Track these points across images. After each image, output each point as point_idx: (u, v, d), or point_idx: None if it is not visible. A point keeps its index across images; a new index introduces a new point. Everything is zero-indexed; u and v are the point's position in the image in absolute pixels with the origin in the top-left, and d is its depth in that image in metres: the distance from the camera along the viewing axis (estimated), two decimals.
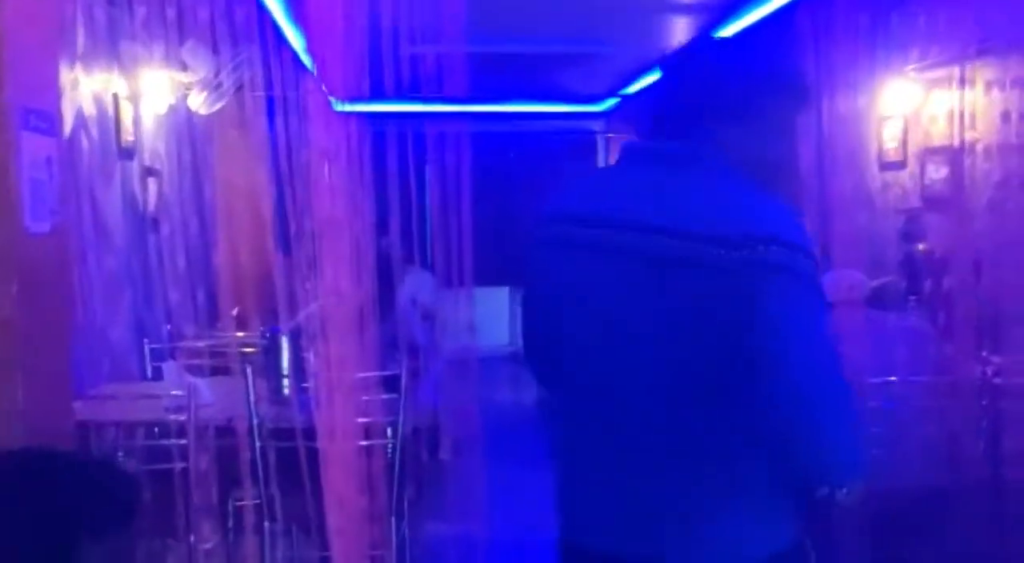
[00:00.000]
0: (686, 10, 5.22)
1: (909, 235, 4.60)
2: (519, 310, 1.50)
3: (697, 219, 1.22)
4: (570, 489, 1.41)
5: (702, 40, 1.16)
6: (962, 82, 3.52)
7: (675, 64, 1.39)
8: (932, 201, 4.52)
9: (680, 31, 5.70)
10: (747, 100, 1.31)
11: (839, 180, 5.43)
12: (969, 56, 3.83)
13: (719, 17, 5.24)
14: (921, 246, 4.41)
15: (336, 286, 2.66)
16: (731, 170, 1.28)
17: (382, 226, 5.73)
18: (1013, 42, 3.16)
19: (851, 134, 5.25)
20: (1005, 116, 3.01)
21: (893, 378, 2.78)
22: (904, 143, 4.70)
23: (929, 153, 4.50)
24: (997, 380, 2.84)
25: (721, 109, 1.31)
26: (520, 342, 1.54)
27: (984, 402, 2.76)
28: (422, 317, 5.74)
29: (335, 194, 2.79)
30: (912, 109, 4.55)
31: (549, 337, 1.40)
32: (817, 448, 1.22)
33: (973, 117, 4.19)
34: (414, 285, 5.74)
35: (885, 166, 4.88)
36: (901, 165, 4.74)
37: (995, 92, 3.12)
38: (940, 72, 4.18)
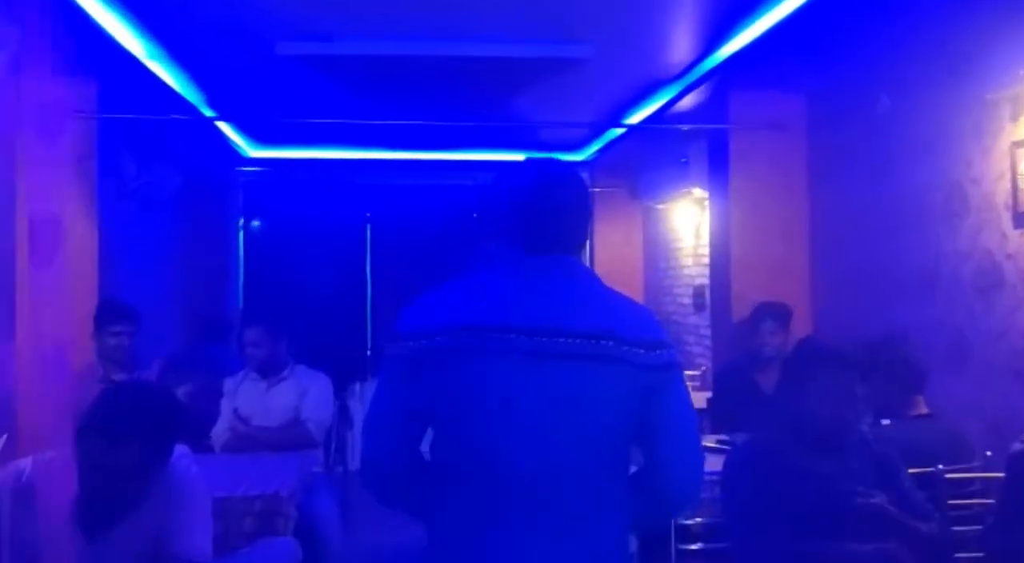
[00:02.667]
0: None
1: None
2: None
3: (613, 322, 1.61)
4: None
5: (550, 164, 1.60)
6: None
7: (537, 186, 1.68)
8: None
9: (684, 36, 4.33)
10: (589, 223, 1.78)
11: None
12: None
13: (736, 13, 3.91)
14: None
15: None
16: (601, 282, 1.70)
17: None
18: None
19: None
20: None
21: None
22: None
23: None
24: None
25: (585, 231, 1.73)
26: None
27: None
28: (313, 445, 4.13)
29: None
30: None
31: (473, 433, 1.58)
32: (688, 489, 1.69)
33: None
34: (306, 394, 4.17)
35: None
36: None
37: None
38: None
